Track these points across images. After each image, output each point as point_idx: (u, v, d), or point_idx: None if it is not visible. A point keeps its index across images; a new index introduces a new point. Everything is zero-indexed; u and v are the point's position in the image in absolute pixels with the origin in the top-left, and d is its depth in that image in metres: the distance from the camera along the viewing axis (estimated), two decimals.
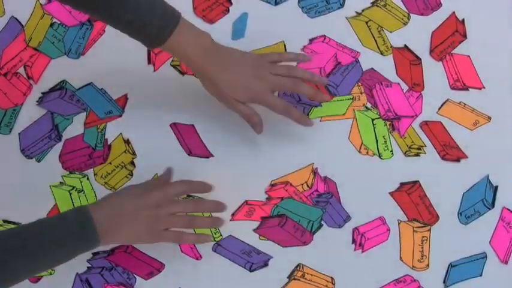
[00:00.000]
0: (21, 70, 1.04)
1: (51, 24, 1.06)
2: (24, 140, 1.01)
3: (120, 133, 1.01)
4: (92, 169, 1.00)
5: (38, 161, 1.00)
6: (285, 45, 1.05)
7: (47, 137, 1.01)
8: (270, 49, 1.05)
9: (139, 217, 0.85)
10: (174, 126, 1.00)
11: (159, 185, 0.90)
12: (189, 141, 1.00)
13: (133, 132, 1.01)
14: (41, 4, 1.08)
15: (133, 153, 0.99)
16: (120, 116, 1.02)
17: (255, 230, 0.96)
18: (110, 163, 1.00)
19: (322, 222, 0.96)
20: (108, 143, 1.01)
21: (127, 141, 1.00)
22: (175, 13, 0.87)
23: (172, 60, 1.04)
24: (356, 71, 1.03)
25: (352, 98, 1.01)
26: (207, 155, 0.99)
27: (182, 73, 1.03)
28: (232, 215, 0.96)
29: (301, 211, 0.97)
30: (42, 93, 1.03)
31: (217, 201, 0.92)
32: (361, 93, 1.02)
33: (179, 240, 0.90)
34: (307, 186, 0.97)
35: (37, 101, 1.02)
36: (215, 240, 0.95)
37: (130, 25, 0.86)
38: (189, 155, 0.99)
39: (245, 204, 0.97)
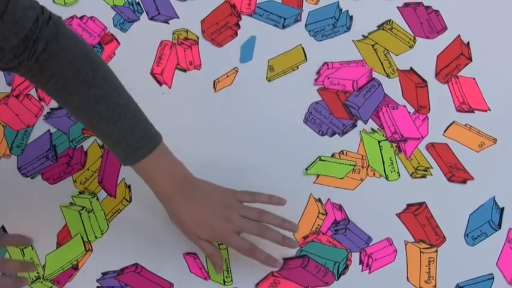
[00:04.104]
0: (32, 92, 1.05)
1: None
2: (22, 158, 1.02)
3: (95, 139, 1.02)
4: (71, 176, 1.01)
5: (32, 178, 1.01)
6: (303, 48, 1.07)
7: (44, 157, 1.02)
8: (289, 54, 1.07)
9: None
10: None
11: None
12: None
13: None
14: None
15: None
16: None
17: (276, 272, 0.95)
18: (88, 169, 1.01)
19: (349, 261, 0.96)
20: (84, 149, 1.02)
21: (101, 146, 1.02)
22: (155, 138, 0.86)
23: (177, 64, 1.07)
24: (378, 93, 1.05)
25: (354, 165, 1.01)
26: None
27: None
28: (256, 284, 0.95)
29: (326, 253, 0.96)
30: (51, 108, 1.04)
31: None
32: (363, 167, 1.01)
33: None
34: (323, 214, 0.98)
35: (44, 116, 1.04)
36: (224, 285, 0.95)
37: (108, 137, 0.85)
38: None
39: (271, 276, 0.95)
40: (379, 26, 1.09)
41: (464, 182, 1.00)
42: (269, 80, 1.06)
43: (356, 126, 1.03)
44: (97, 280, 0.95)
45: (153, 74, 1.06)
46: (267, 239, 0.89)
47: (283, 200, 0.93)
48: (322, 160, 1.00)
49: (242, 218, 0.88)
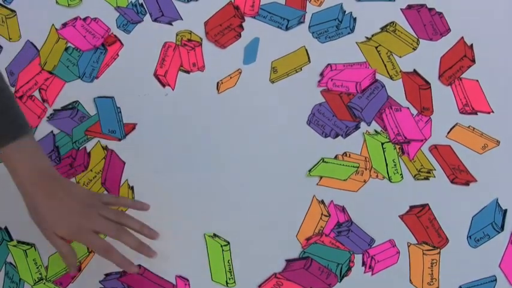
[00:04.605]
0: (36, 93, 1.06)
1: (66, 49, 1.08)
2: None
3: (98, 140, 1.02)
4: (75, 177, 1.01)
5: None
6: (306, 50, 1.07)
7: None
8: (292, 56, 1.07)
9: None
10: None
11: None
12: None
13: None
14: (56, 29, 1.10)
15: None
16: (120, 140, 1.03)
17: (279, 274, 0.95)
18: (91, 170, 1.01)
19: (351, 263, 0.96)
20: (87, 150, 1.02)
21: (105, 148, 1.02)
22: (24, 128, 0.85)
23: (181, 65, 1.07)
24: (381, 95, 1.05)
25: (357, 167, 1.01)
26: None
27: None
28: (259, 286, 0.95)
29: (329, 255, 0.96)
30: (54, 110, 1.04)
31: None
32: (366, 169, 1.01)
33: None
34: (326, 216, 0.98)
35: (48, 117, 1.04)
36: (227, 286, 0.95)
37: None
38: None
39: (274, 277, 0.95)
40: (382, 28, 1.09)
41: (467, 184, 1.00)
42: (272, 82, 1.06)
43: (359, 128, 1.03)
44: (100, 281, 0.95)
45: (156, 75, 1.07)
46: (122, 242, 0.87)
47: (146, 206, 0.92)
48: (325, 162, 1.00)
49: (101, 217, 0.86)
